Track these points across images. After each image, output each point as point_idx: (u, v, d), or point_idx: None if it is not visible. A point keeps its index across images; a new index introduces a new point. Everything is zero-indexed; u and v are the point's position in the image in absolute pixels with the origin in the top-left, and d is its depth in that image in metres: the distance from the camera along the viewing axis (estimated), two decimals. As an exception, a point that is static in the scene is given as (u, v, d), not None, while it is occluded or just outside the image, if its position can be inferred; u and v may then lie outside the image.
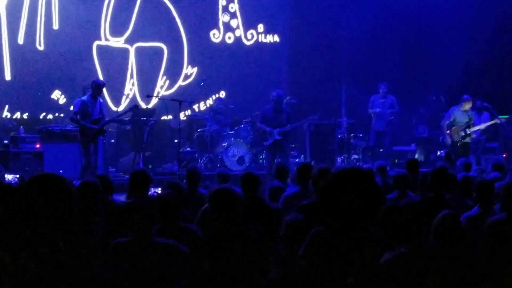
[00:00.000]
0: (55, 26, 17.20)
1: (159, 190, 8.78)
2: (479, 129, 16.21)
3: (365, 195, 3.09)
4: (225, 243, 5.07)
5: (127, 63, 18.03)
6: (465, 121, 15.73)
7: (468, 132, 15.75)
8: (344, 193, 3.09)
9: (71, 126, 14.95)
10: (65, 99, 17.18)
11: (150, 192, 7.90)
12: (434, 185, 7.33)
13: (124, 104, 17.46)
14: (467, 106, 15.76)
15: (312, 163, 13.41)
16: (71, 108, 14.33)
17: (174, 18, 18.52)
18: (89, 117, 13.53)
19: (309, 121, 16.09)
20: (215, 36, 19.13)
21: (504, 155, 16.62)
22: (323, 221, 3.19)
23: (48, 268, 3.04)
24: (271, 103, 14.81)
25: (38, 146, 14.27)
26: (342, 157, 17.44)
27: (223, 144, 16.32)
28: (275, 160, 14.48)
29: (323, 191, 3.16)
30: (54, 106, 17.11)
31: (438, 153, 16.68)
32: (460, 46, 18.58)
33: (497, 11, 19.05)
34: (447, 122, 15.89)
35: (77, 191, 6.79)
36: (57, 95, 17.19)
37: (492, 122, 16.16)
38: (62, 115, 16.74)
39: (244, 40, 19.47)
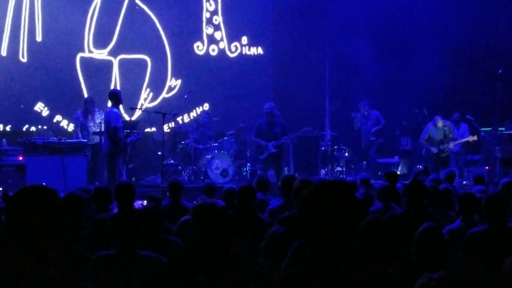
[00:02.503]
0: (39, 38, 17.17)
1: (144, 203, 8.78)
2: (457, 144, 16.33)
3: (344, 208, 3.09)
4: (207, 257, 5.07)
5: (111, 75, 18.01)
6: (440, 137, 15.93)
7: (442, 148, 15.89)
8: (323, 205, 3.09)
9: (53, 138, 14.89)
10: (48, 111, 17.16)
11: (135, 205, 7.89)
12: (412, 199, 7.34)
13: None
14: (440, 124, 15.99)
15: (295, 176, 13.44)
16: (98, 120, 14.72)
17: (158, 30, 18.53)
18: (121, 130, 13.59)
19: (304, 134, 16.14)
20: (199, 48, 19.15)
21: (486, 168, 16.71)
22: (303, 234, 3.19)
23: (33, 280, 3.04)
24: (264, 117, 14.85)
25: (20, 158, 14.17)
26: (326, 170, 17.48)
27: (207, 157, 16.31)
28: (268, 173, 14.55)
29: (303, 203, 3.17)
30: (37, 118, 17.06)
31: (419, 167, 16.79)
32: (443, 59, 18.69)
33: (478, 25, 19.20)
34: (425, 138, 16.17)
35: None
36: (40, 107, 17.15)
37: (465, 139, 16.23)
38: (45, 127, 16.68)
39: (228, 53, 19.50)
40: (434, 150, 16.03)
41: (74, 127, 15.89)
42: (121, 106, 14.96)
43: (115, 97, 13.75)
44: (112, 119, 13.39)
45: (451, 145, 16.00)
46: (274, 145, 14.58)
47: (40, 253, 3.11)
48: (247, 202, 7.50)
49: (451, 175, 11.63)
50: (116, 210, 7.82)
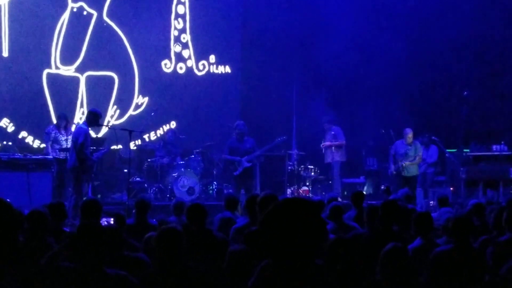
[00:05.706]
0: (5, 53, 17.06)
1: (111, 221, 8.72)
2: (421, 163, 16.26)
3: (305, 226, 3.05)
4: (173, 275, 5.06)
5: (77, 92, 17.92)
6: (403, 153, 15.77)
7: (403, 165, 15.74)
8: (283, 223, 3.04)
9: (19, 154, 14.74)
10: (13, 127, 17.01)
11: (102, 222, 7.85)
12: (384, 218, 7.38)
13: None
14: (407, 138, 15.83)
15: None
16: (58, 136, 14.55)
17: (125, 47, 18.50)
18: (89, 147, 13.16)
19: (278, 143, 16.01)
20: (167, 66, 19.15)
21: (451, 189, 16.83)
22: (264, 250, 3.14)
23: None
24: (235, 135, 14.86)
25: (-15, 174, 14.05)
26: (292, 189, 17.48)
27: (173, 175, 16.25)
28: (241, 191, 14.51)
29: (264, 220, 3.13)
30: (2, 134, 16.90)
31: (382, 187, 16.77)
32: (409, 81, 18.86)
33: (446, 46, 19.41)
34: (392, 154, 16.07)
35: (26, 221, 6.76)
36: (6, 123, 17.00)
37: (417, 159, 16.01)
38: (10, 143, 16.54)
39: (196, 71, 19.52)
40: (393, 170, 15.94)
41: (45, 142, 15.63)
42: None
43: (94, 117, 13.41)
44: (80, 136, 13.07)
45: (406, 163, 15.80)
46: (247, 159, 14.57)
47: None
48: (197, 221, 7.46)
49: (408, 196, 11.62)
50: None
